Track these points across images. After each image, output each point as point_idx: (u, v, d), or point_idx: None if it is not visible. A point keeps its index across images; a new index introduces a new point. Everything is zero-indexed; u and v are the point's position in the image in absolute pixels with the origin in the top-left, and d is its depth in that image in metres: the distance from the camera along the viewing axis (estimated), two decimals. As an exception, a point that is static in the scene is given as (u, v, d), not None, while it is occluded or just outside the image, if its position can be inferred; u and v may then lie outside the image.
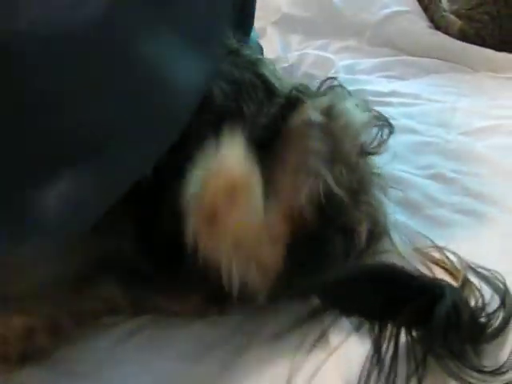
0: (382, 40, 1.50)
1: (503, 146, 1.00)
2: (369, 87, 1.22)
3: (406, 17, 1.55)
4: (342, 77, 1.19)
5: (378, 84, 1.25)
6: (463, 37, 1.49)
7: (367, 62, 1.37)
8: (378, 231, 0.71)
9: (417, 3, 1.62)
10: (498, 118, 1.13)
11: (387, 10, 1.56)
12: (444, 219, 0.82)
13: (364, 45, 1.49)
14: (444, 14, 1.57)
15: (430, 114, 1.14)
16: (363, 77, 1.28)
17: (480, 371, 0.55)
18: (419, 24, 1.53)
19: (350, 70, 1.30)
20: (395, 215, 0.77)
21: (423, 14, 1.60)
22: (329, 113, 0.69)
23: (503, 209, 0.82)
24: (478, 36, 1.50)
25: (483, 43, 1.49)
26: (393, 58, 1.42)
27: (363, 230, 0.67)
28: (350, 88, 0.89)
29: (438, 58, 1.47)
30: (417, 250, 0.74)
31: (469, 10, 1.55)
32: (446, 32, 1.53)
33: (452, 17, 1.54)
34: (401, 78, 1.30)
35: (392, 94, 1.20)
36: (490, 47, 1.47)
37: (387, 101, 1.16)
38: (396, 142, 0.89)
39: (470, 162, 0.97)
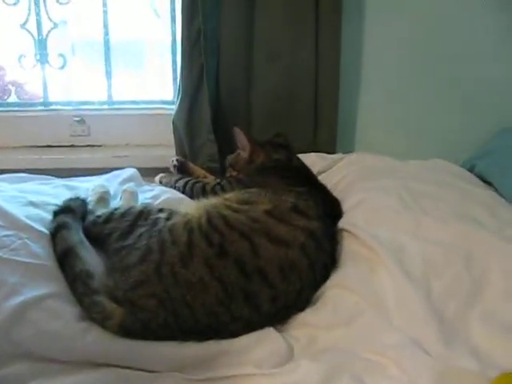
0: (13, 350, 1.18)
1: None
2: None
3: (48, 304, 1.24)
4: None
5: None
6: (126, 334, 1.21)
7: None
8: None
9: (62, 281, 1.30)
10: None
11: (16, 300, 1.22)
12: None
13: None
14: (97, 299, 1.23)
15: None
16: None
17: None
18: (66, 315, 1.22)
19: None
20: None
21: (71, 297, 1.29)
22: None
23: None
24: (147, 330, 1.25)
25: (157, 337, 1.24)
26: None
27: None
28: None
29: (100, 363, 1.19)
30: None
31: (128, 291, 1.24)
32: (104, 326, 1.20)
33: (110, 304, 1.23)
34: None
35: None
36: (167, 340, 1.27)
37: None
38: None
39: None
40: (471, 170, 1.95)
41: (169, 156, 2.10)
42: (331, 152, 2.09)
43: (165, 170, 2.06)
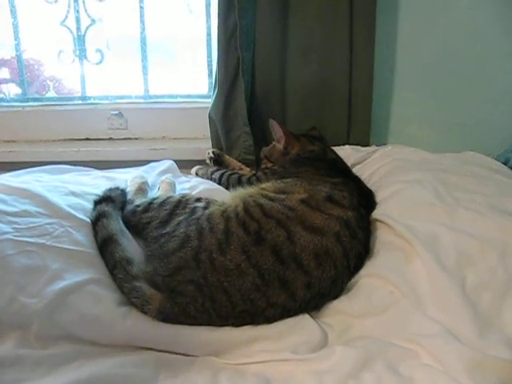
0: (57, 332, 1.19)
1: None
2: None
3: (89, 289, 1.24)
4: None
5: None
6: (164, 318, 1.22)
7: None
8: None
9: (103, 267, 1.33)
10: None
11: (59, 285, 1.23)
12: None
13: (31, 343, 1.15)
14: (137, 285, 1.25)
15: None
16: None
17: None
18: (106, 300, 1.24)
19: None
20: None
21: (112, 283, 1.31)
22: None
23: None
24: (185, 315, 1.21)
25: (194, 322, 1.21)
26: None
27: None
28: None
29: (139, 347, 1.21)
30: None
31: (167, 276, 1.26)
32: (143, 311, 1.22)
33: (149, 290, 1.25)
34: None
35: None
36: (204, 325, 1.22)
37: None
38: None
39: None
40: (505, 163, 1.91)
41: (205, 148, 2.13)
42: (365, 145, 2.08)
43: (201, 162, 2.08)
